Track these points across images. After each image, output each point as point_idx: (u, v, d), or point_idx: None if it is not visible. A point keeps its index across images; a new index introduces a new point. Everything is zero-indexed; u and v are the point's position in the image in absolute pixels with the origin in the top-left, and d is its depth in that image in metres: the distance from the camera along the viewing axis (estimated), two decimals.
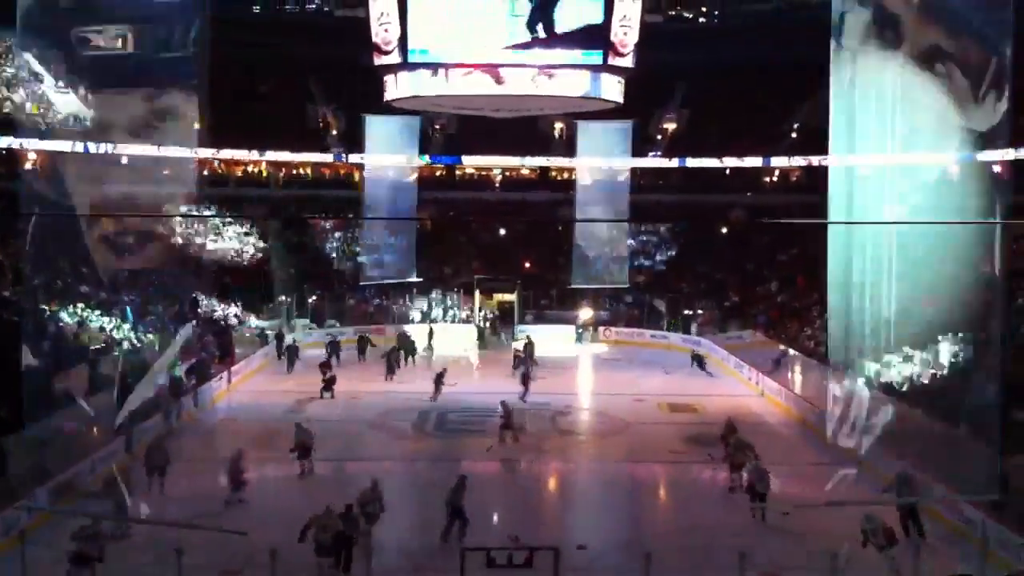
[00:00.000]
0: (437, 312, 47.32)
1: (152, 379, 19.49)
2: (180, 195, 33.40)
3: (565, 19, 30.75)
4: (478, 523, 19.73)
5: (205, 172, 50.34)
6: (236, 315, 41.17)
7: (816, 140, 42.04)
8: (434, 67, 31.63)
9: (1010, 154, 23.97)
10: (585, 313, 46.69)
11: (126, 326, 32.12)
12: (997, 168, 25.26)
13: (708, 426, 29.32)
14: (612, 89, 32.65)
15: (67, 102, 29.60)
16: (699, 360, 38.74)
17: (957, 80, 23.39)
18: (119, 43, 29.48)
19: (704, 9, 57.07)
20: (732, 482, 23.25)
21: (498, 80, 30.98)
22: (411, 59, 31.53)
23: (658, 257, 51.38)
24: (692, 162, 46.22)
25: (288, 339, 39.77)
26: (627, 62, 31.64)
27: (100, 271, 30.29)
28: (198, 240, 39.98)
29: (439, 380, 33.13)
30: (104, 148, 30.80)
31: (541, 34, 30.57)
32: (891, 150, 25.00)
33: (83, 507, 20.40)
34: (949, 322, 23.61)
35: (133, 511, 20.37)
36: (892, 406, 23.24)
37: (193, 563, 16.14)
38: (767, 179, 53.18)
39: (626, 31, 31.21)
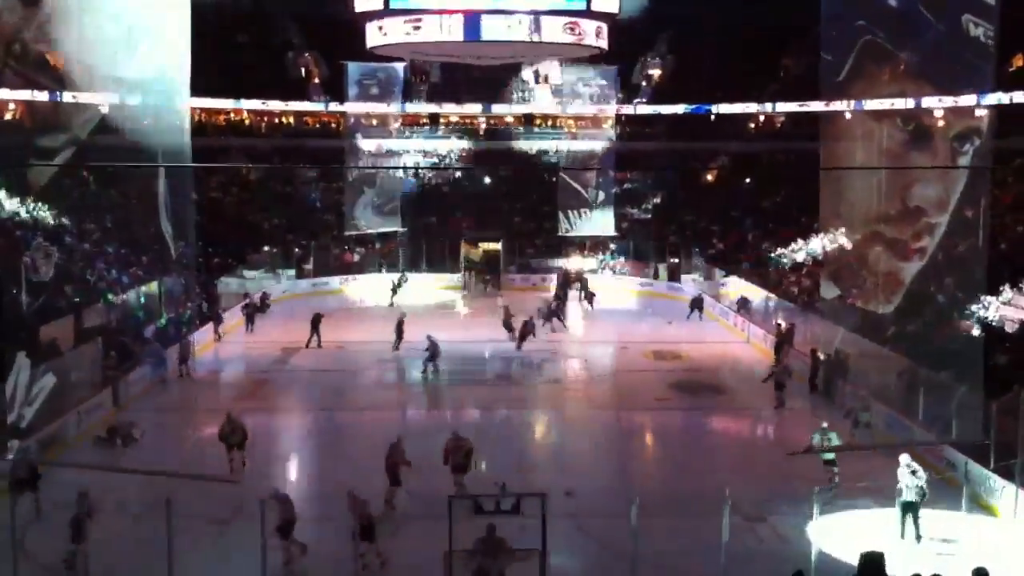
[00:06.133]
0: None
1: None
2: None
3: None
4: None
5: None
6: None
7: (802, 87, 42.11)
8: (415, 13, 31.17)
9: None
10: (575, 263, 46.52)
11: None
12: (982, 112, 25.31)
13: (693, 372, 29.57)
14: (596, 35, 32.30)
15: None
16: (698, 305, 38.83)
17: None
18: None
19: None
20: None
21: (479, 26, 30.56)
22: (393, 5, 31.11)
23: (644, 205, 51.22)
24: (677, 108, 45.89)
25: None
26: (612, 7, 31.33)
27: None
28: None
29: (399, 329, 32.11)
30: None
31: None
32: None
33: (70, 458, 20.41)
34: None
35: (124, 461, 20.47)
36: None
37: (182, 512, 16.14)
38: (752, 126, 52.90)
39: None
